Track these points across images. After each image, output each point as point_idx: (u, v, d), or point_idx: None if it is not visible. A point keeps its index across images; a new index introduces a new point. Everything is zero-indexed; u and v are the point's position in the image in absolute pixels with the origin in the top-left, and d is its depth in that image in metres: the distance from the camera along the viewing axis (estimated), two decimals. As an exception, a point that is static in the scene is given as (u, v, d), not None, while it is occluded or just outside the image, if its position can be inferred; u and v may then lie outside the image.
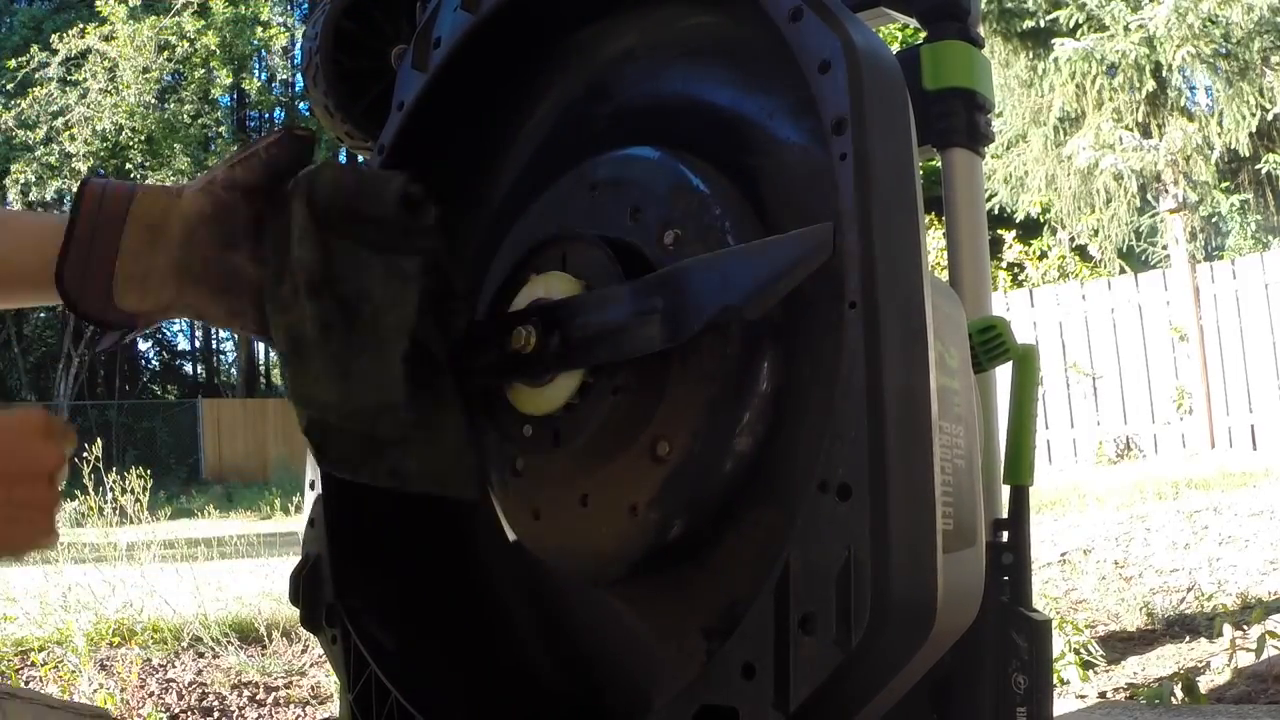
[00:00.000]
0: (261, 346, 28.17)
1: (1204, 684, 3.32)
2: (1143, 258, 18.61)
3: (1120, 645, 4.24)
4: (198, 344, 28.42)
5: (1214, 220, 19.27)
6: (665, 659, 1.47)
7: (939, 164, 1.81)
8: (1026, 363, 1.44)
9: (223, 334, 28.98)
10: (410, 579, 1.69)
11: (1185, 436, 12.45)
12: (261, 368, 28.72)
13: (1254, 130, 14.23)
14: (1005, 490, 1.59)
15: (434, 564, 1.71)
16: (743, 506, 1.34)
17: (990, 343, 1.40)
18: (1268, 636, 3.60)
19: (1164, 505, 7.59)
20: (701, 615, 1.41)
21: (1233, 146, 14.45)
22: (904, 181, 1.14)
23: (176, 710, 3.59)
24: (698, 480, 1.34)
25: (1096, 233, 16.87)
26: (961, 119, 1.84)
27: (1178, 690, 3.16)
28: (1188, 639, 4.17)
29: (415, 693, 1.55)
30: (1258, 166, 15.80)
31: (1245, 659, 3.59)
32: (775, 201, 1.35)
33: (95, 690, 3.61)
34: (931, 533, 1.09)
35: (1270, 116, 14.32)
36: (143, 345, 27.34)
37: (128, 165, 20.37)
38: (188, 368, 28.01)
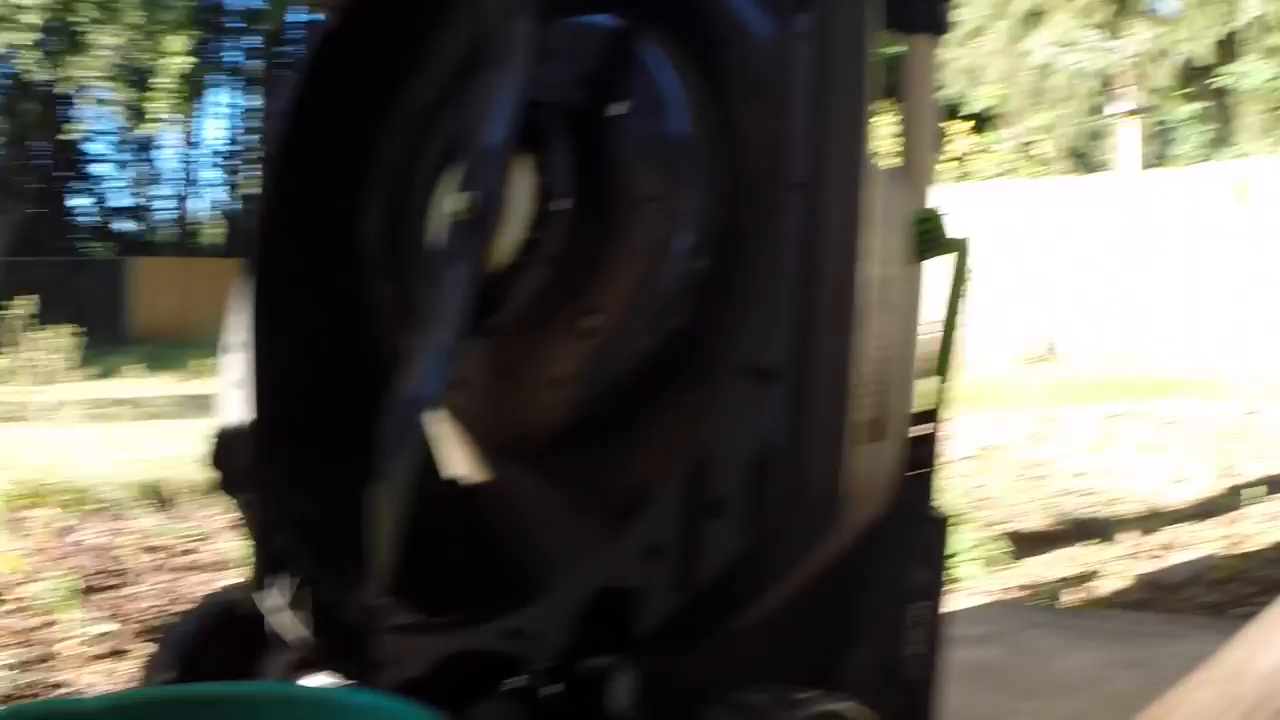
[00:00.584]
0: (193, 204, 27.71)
1: (1105, 588, 3.41)
2: (1091, 160, 18.67)
3: (1025, 544, 4.33)
4: (132, 200, 27.62)
5: (1165, 128, 19.37)
6: (576, 535, 1.47)
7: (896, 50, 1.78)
8: (960, 256, 1.43)
9: (158, 189, 28.16)
10: (328, 449, 1.67)
11: (1113, 337, 12.66)
12: (194, 226, 27.98)
13: (1218, 40, 14.21)
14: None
15: (351, 434, 1.69)
16: (666, 387, 1.33)
17: (926, 234, 1.38)
18: (1173, 552, 3.70)
19: (1084, 408, 7.74)
20: (616, 493, 1.41)
21: (1194, 56, 14.43)
22: (859, 65, 1.11)
23: (88, 571, 3.58)
24: (622, 356, 1.33)
25: (1048, 130, 16.87)
26: (924, 5, 1.79)
27: (1072, 593, 3.24)
28: (1091, 541, 4.28)
29: (325, 560, 1.54)
30: (1214, 78, 15.83)
31: (1147, 566, 3.69)
32: (732, 77, 1.31)
33: (6, 551, 3.61)
34: (844, 421, 1.09)
35: (1236, 27, 14.30)
36: (75, 201, 26.50)
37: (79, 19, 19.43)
38: (121, 225, 27.21)
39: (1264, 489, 4.81)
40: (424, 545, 1.40)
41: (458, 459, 1.60)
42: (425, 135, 1.63)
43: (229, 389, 1.65)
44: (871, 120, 1.11)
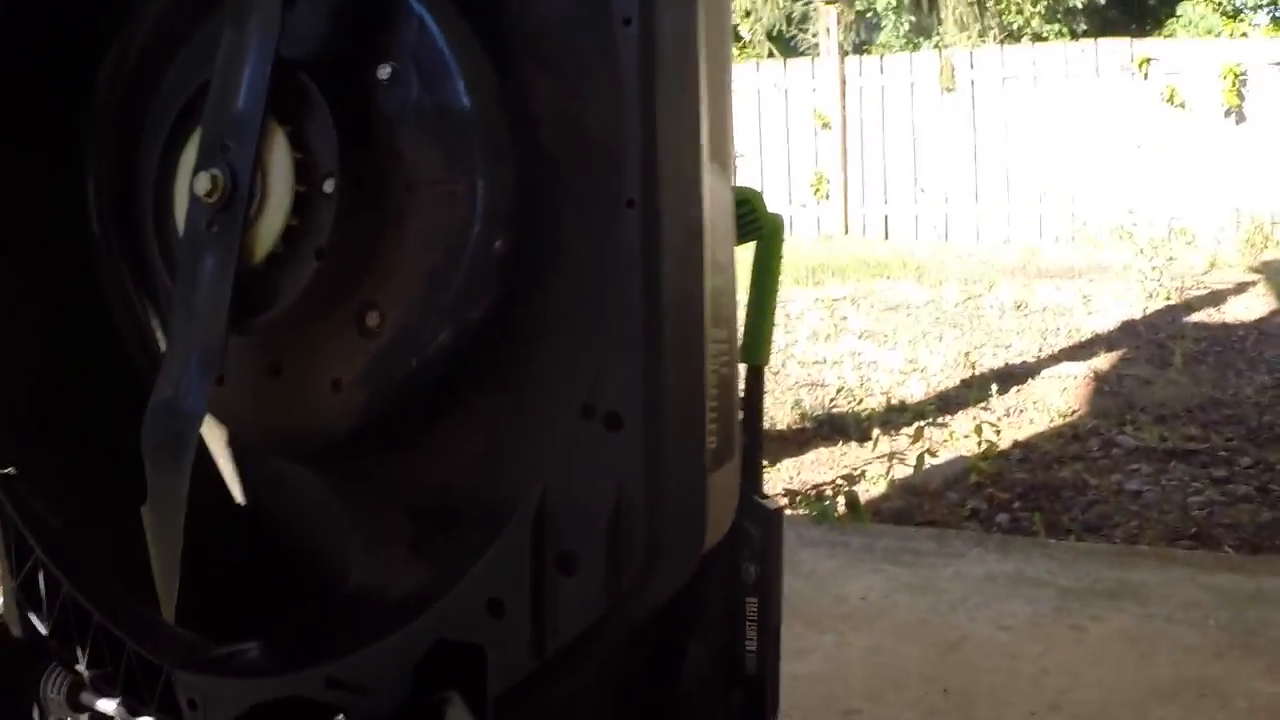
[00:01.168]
0: None
1: (861, 494, 3.52)
2: (792, 44, 19.11)
3: (775, 445, 4.42)
4: None
5: (868, 15, 20.01)
6: (364, 537, 1.36)
7: None
8: (775, 236, 1.36)
9: None
10: (81, 450, 1.47)
11: (821, 221, 13.11)
12: None
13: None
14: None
15: (106, 432, 1.50)
16: (466, 391, 1.21)
17: (743, 219, 1.31)
18: (927, 455, 3.85)
19: (804, 292, 7.97)
20: (409, 497, 1.30)
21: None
22: (688, 52, 1.00)
23: None
24: (413, 355, 1.20)
25: (748, 14, 17.15)
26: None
27: (841, 504, 3.33)
28: (840, 441, 4.41)
29: (86, 579, 1.38)
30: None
31: (902, 470, 3.83)
32: (519, 48, 1.18)
33: None
34: (702, 457, 1.01)
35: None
36: None
37: None
38: None
39: (995, 382, 5.07)
40: (206, 564, 1.26)
41: (227, 462, 1.45)
42: (151, 90, 1.43)
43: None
44: (700, 110, 1.01)
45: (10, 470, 1.42)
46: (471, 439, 1.24)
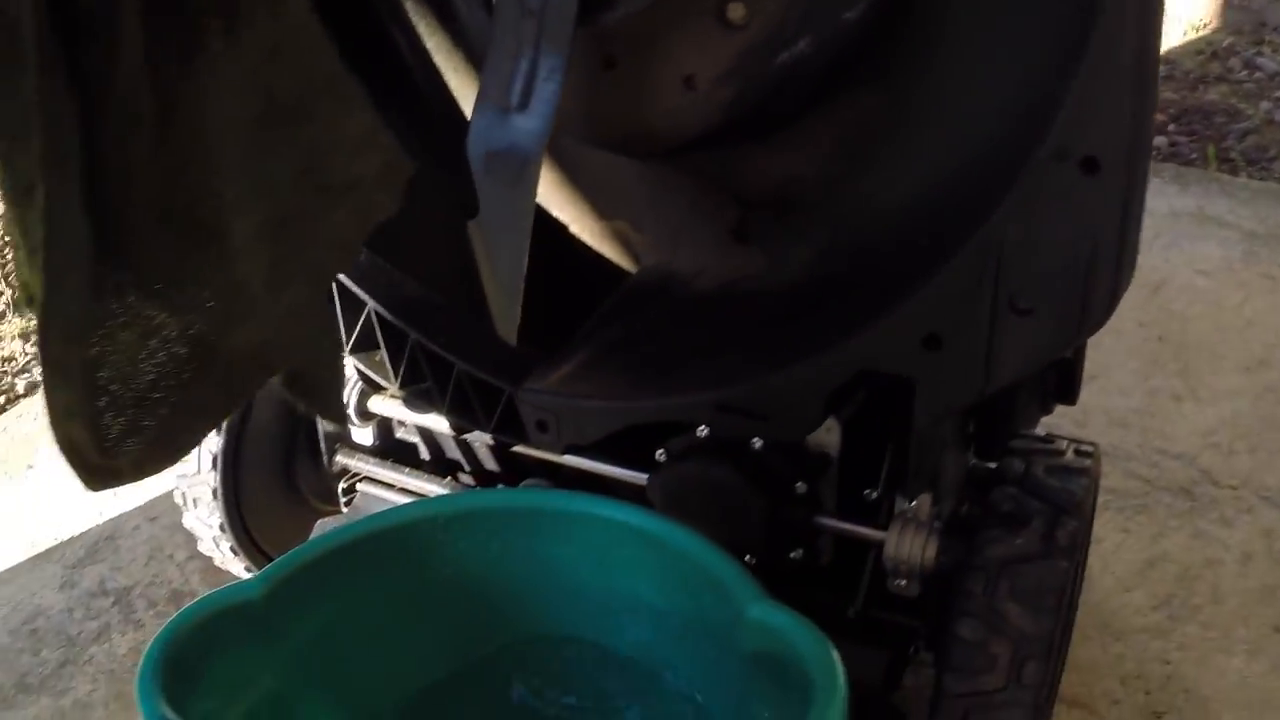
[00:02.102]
0: None
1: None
2: None
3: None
4: None
5: None
6: (694, 229, 1.34)
7: None
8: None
9: None
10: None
11: None
12: None
13: None
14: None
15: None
16: (840, 88, 1.15)
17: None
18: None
19: None
20: (743, 186, 1.27)
21: None
22: None
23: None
24: (781, 54, 1.13)
25: None
26: None
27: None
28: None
29: (401, 300, 1.36)
30: None
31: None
32: None
33: None
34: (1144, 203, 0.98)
35: None
36: None
37: None
38: None
39: None
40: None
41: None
42: None
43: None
44: None
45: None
46: (834, 136, 1.20)
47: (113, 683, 1.66)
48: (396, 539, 1.13)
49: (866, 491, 1.23)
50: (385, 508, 1.46)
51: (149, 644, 0.97)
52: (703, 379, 1.18)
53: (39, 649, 1.73)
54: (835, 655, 0.90)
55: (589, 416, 1.24)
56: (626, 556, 1.10)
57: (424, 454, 1.53)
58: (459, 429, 1.38)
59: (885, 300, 1.05)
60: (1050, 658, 1.11)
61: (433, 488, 1.48)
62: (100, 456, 0.90)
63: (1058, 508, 1.12)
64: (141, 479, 0.98)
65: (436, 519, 1.13)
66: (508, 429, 1.30)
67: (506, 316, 1.12)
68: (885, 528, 1.19)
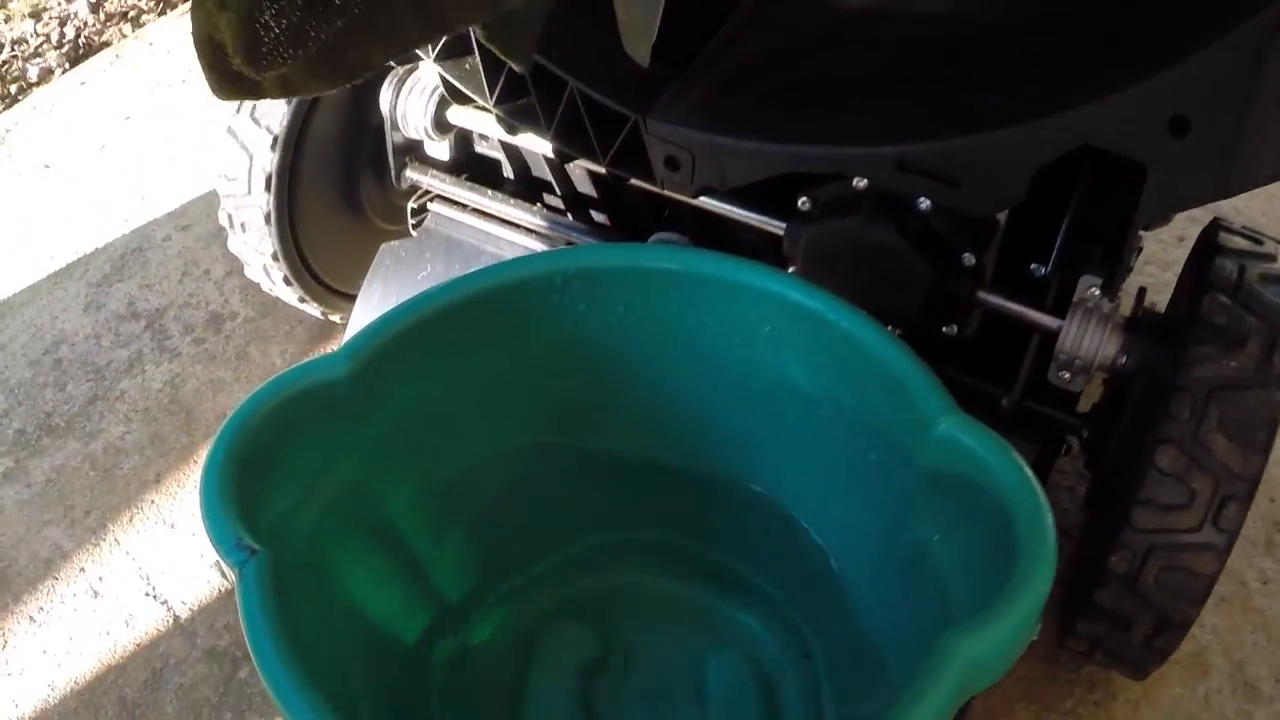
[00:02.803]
0: None
1: None
2: None
3: None
4: None
5: None
6: None
7: None
8: None
9: None
10: None
11: None
12: None
13: None
14: None
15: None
16: None
17: None
18: None
19: None
20: None
21: None
22: None
23: None
24: None
25: None
26: None
27: None
28: None
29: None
30: None
31: None
32: None
33: None
34: None
35: None
36: None
37: None
38: None
39: None
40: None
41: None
42: None
43: None
44: None
45: None
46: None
47: (147, 423, 1.50)
48: (503, 300, 0.95)
49: (1034, 267, 1.09)
50: (458, 231, 1.35)
51: (213, 439, 0.80)
52: (883, 129, 1.00)
53: (64, 383, 1.56)
54: (1043, 497, 0.79)
55: (735, 158, 1.06)
56: (777, 332, 0.96)
57: (507, 173, 1.36)
58: (563, 156, 1.21)
59: (1130, 69, 0.88)
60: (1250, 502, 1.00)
61: (514, 211, 1.32)
62: (246, 63, 0.72)
63: (1276, 327, 0.98)
64: (282, 98, 0.84)
65: (553, 277, 0.96)
66: (627, 163, 1.13)
67: (640, 29, 0.89)
68: (1053, 311, 1.06)
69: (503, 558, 1.05)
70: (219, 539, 0.76)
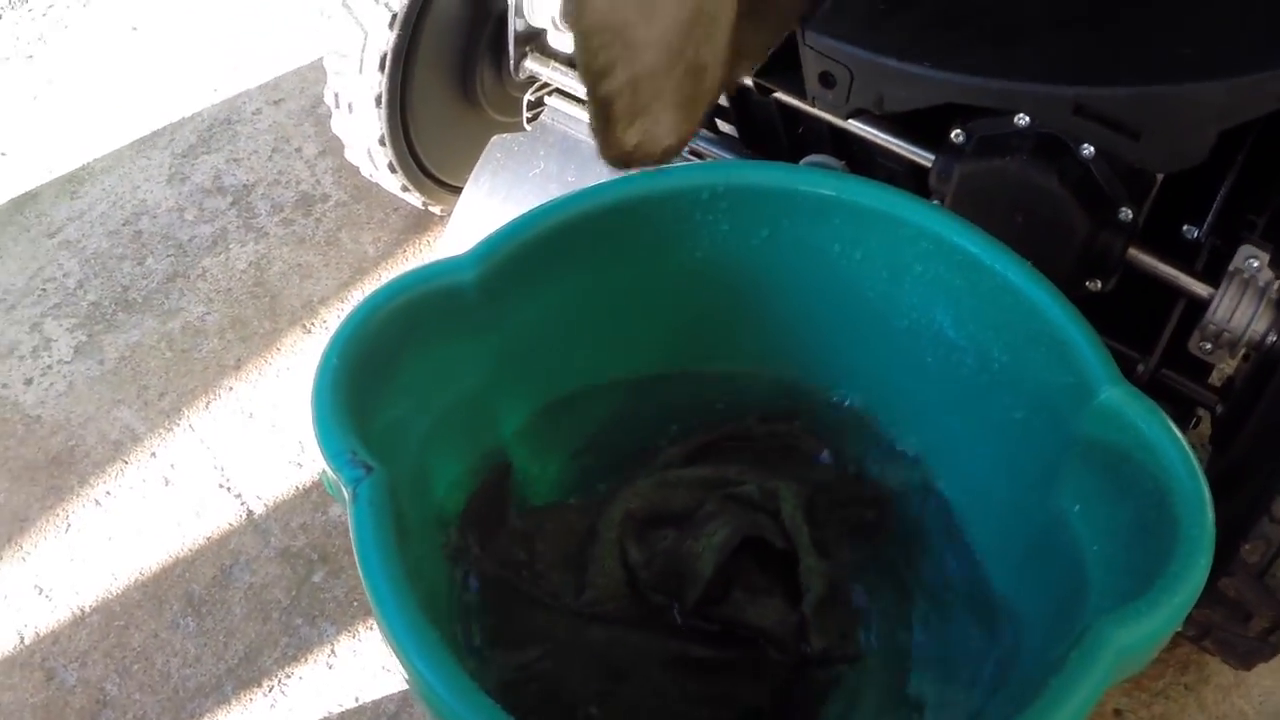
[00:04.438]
0: None
1: None
2: None
3: None
4: None
5: None
6: None
7: None
8: None
9: None
10: None
11: None
12: None
13: None
14: None
15: None
16: None
17: None
18: None
19: None
20: None
21: None
22: None
23: None
24: None
25: None
26: None
27: None
28: None
29: None
30: None
31: None
32: None
33: None
34: None
35: None
36: None
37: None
38: None
39: None
40: None
41: None
42: None
43: None
44: None
45: None
46: None
47: (229, 305, 1.46)
48: (647, 212, 0.90)
49: (1186, 229, 1.04)
50: (577, 129, 1.30)
51: (331, 335, 0.76)
52: (1060, 68, 0.94)
53: (143, 256, 1.52)
54: (1205, 483, 0.74)
55: (897, 81, 0.99)
56: (930, 273, 0.92)
57: (634, 73, 1.30)
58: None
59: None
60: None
61: (637, 115, 1.27)
62: None
63: None
64: None
65: (701, 191, 0.91)
66: (778, 73, 1.07)
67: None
68: (1203, 277, 1.01)
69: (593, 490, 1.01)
70: (332, 452, 0.72)
